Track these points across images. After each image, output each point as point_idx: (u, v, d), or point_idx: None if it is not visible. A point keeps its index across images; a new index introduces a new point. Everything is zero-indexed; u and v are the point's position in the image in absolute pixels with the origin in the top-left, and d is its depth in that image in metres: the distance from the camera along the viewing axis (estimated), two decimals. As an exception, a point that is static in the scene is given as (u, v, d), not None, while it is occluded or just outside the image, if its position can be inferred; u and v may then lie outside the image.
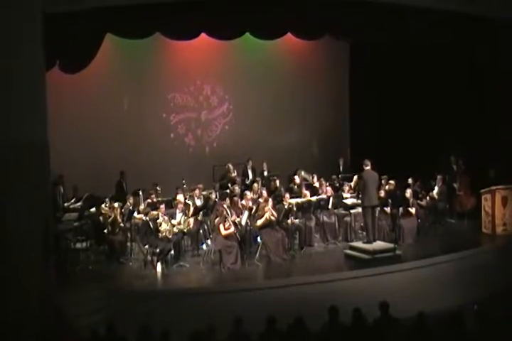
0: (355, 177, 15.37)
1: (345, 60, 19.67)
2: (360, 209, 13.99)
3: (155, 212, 13.09)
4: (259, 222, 13.18)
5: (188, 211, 13.69)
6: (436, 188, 15.80)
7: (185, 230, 13.23)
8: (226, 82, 18.36)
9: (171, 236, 12.80)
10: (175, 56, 17.41)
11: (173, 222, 13.05)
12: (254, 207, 13.62)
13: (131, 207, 13.84)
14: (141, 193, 14.66)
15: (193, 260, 13.17)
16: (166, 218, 12.98)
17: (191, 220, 13.48)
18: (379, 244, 13.24)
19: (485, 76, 15.57)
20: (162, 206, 13.18)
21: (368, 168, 13.30)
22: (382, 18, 14.05)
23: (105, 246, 13.27)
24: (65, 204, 14.53)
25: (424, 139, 16.81)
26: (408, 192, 14.65)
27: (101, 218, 13.39)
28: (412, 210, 14.50)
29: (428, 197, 15.46)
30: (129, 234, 13.56)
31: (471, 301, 11.10)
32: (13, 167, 10.12)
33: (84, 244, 13.00)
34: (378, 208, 13.92)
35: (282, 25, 14.23)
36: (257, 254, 13.10)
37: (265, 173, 17.09)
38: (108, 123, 16.70)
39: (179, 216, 13.29)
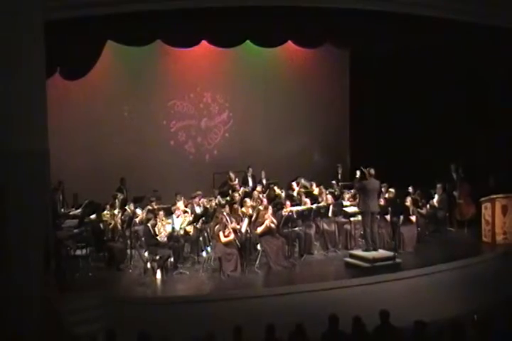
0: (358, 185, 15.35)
1: (345, 67, 19.70)
2: (360, 217, 13.98)
3: (155, 220, 13.08)
4: (259, 230, 13.17)
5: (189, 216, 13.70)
6: (436, 196, 15.76)
7: (182, 232, 13.23)
8: (226, 90, 18.39)
9: (170, 242, 12.81)
10: (175, 63, 17.42)
11: (170, 228, 13.07)
12: (254, 215, 13.61)
13: (131, 214, 13.83)
14: (141, 200, 14.66)
15: (193, 267, 13.14)
16: (165, 224, 12.99)
17: (189, 227, 13.46)
18: (379, 252, 13.20)
19: (485, 84, 15.56)
20: (161, 212, 13.19)
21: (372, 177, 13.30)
22: (382, 27, 14.08)
23: (105, 253, 13.25)
24: (65, 211, 14.52)
25: (424, 147, 16.81)
26: (408, 201, 14.61)
27: (101, 225, 13.37)
28: (412, 218, 14.49)
29: (428, 206, 15.42)
30: (128, 241, 13.55)
31: (470, 310, 11.10)
32: (13, 174, 10.14)
33: (83, 251, 12.97)
34: (378, 216, 13.91)
35: (282, 33, 14.28)
36: (257, 262, 13.08)
37: (264, 181, 17.08)
38: (108, 130, 16.74)
39: (177, 221, 13.32)
